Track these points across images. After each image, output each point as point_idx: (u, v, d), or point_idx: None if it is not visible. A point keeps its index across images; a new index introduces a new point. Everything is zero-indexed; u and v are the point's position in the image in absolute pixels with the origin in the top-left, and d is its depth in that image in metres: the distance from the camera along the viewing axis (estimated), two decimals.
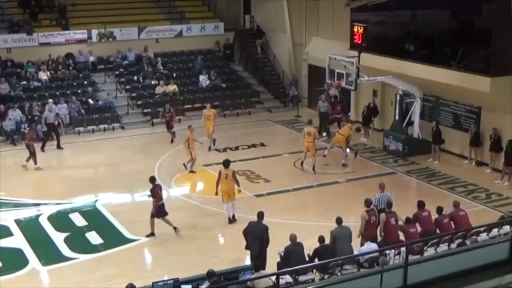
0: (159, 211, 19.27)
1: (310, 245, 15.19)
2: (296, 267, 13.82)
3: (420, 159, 26.03)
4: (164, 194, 22.96)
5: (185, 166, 24.94)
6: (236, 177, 20.08)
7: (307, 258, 15.04)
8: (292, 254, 14.91)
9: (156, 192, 19.26)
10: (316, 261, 14.97)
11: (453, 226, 16.73)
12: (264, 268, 14.48)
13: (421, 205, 17.11)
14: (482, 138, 25.08)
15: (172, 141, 28.59)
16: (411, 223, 16.52)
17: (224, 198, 20.04)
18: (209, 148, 27.52)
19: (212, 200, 21.64)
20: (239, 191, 20.19)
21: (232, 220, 20.04)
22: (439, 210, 16.90)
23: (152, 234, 19.25)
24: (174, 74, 35.37)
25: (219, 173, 19.98)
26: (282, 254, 15.07)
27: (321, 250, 15.04)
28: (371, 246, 15.31)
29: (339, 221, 16.05)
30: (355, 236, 16.47)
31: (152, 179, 19.53)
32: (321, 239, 15.29)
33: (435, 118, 26.64)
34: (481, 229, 15.10)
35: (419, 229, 16.59)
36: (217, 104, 33.67)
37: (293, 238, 15.22)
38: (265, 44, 38.40)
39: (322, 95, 30.30)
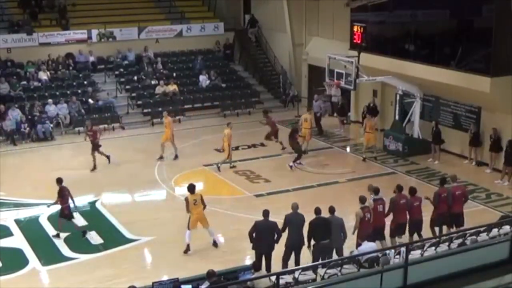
0: (66, 213, 19.33)
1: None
2: (296, 267, 13.87)
3: (420, 159, 26.03)
4: (164, 194, 23.12)
5: (218, 167, 24.87)
6: (204, 201, 18.24)
7: (304, 232, 15.81)
8: (290, 223, 15.71)
9: (64, 194, 19.19)
10: (313, 241, 15.75)
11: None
12: (269, 269, 14.61)
13: (412, 192, 17.67)
14: (482, 138, 25.07)
15: (109, 161, 25.99)
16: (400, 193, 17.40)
17: (192, 225, 18.06)
18: (160, 157, 26.38)
19: (212, 200, 21.64)
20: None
21: (214, 244, 18.61)
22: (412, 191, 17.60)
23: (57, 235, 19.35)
24: (174, 74, 35.38)
25: (186, 200, 18.13)
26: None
27: (316, 222, 15.66)
28: (369, 245, 15.31)
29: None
30: (350, 234, 16.47)
31: (59, 180, 19.30)
32: (317, 211, 15.87)
33: (435, 118, 26.61)
34: (481, 229, 15.09)
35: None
36: (217, 104, 33.81)
37: (294, 207, 15.97)
38: (259, 33, 38.48)
39: (315, 95, 30.61)
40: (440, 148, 26.02)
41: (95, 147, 25.56)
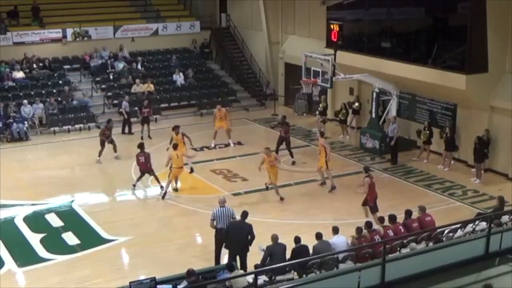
0: None
1: (286, 244, 15.14)
2: (273, 266, 13.79)
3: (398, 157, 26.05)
4: (141, 193, 22.93)
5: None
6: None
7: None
8: (274, 254, 14.77)
9: None
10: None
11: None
12: (245, 269, 14.44)
13: (409, 213, 16.57)
14: (458, 142, 25.08)
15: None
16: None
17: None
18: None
19: (190, 199, 21.62)
20: None
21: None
22: (408, 213, 16.51)
23: None
24: (151, 73, 35.20)
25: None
26: (263, 251, 15.00)
27: (298, 251, 14.87)
28: (340, 239, 15.18)
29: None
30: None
31: None
32: (296, 240, 15.04)
33: (432, 120, 26.27)
34: (458, 225, 15.16)
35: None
36: (194, 102, 33.73)
37: (275, 238, 15.12)
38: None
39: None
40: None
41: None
